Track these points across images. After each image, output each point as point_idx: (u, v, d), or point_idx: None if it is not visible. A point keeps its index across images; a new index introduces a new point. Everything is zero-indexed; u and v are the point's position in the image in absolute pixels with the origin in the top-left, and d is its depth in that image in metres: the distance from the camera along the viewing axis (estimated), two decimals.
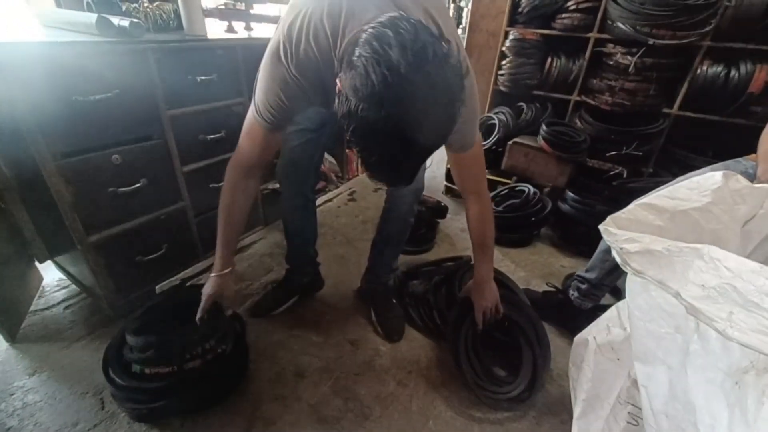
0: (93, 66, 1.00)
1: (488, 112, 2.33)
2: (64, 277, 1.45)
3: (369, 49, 0.54)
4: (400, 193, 1.21)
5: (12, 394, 1.04)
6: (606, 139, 1.96)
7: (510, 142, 2.10)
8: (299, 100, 0.79)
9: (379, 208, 2.14)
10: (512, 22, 2.12)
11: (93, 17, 1.05)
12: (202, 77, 1.26)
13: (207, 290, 1.02)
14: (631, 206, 0.82)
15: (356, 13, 0.68)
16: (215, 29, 1.42)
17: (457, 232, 2.02)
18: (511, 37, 2.12)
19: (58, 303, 1.36)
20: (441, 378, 1.19)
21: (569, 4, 1.93)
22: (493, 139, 2.19)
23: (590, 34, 1.91)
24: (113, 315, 1.25)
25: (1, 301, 1.16)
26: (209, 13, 1.42)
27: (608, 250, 1.21)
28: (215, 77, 1.29)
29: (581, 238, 1.85)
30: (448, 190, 2.42)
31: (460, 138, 0.87)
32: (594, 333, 0.91)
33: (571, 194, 1.87)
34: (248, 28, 1.61)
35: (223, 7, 1.51)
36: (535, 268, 1.77)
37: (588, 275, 1.28)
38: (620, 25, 1.76)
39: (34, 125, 0.92)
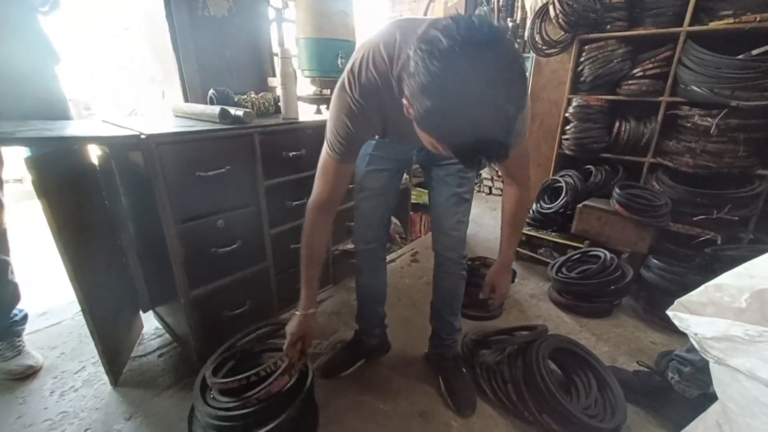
0: (214, 147, 1.22)
1: (553, 175, 2.31)
2: (160, 327, 1.61)
3: (420, 51, 0.58)
4: (445, 248, 1.24)
5: None
6: (691, 202, 1.83)
7: (580, 205, 2.04)
8: (362, 124, 0.87)
9: None
10: (575, 90, 2.18)
11: (217, 109, 1.29)
12: (293, 152, 1.45)
13: (291, 329, 1.07)
14: (701, 288, 0.77)
15: (407, 38, 0.75)
16: (306, 112, 1.65)
17: (526, 297, 1.92)
18: (574, 103, 2.16)
19: (154, 350, 1.50)
20: None
21: (635, 71, 1.95)
22: (560, 202, 2.15)
23: (661, 98, 1.89)
24: (199, 365, 1.34)
25: (112, 346, 1.32)
26: (301, 99, 1.67)
27: None
28: (304, 152, 1.48)
29: None
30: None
31: (517, 132, 0.87)
32: (702, 431, 0.80)
33: (655, 261, 1.72)
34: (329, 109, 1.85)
35: (312, 95, 1.77)
36: (621, 342, 1.60)
37: (690, 356, 1.13)
38: (695, 88, 1.73)
39: (166, 195, 1.12)
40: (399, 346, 1.53)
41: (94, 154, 1.38)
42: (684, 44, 1.78)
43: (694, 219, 1.82)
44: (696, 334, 0.73)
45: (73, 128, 1.12)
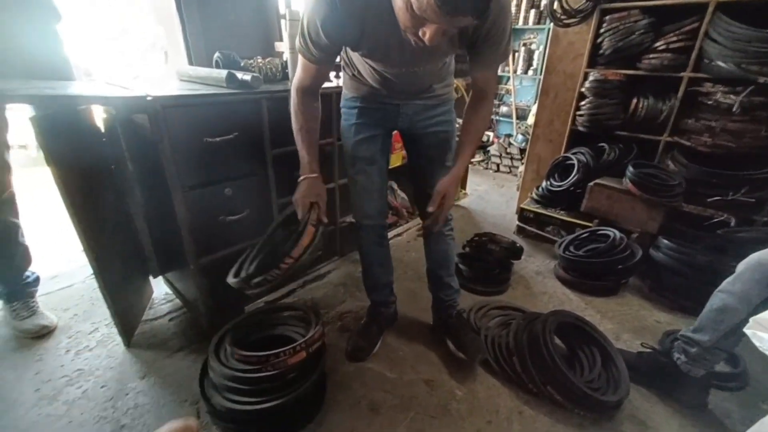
0: (221, 112, 1.19)
1: (565, 152, 2.26)
2: (170, 292, 1.63)
3: None
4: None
5: (126, 394, 1.17)
6: (706, 182, 1.79)
7: (591, 183, 2.01)
8: (336, 29, 0.85)
9: None
10: (592, 64, 2.09)
11: (223, 73, 1.25)
12: None
13: (301, 194, 1.00)
14: None
15: None
16: None
17: (532, 275, 1.93)
18: (591, 78, 2.08)
19: (164, 315, 1.52)
20: None
21: (658, 44, 1.86)
22: (571, 179, 2.11)
23: (683, 74, 1.82)
24: (208, 330, 1.37)
25: (124, 309, 1.34)
26: None
27: (723, 309, 1.07)
28: None
29: (680, 291, 1.66)
30: (520, 230, 2.34)
31: (501, 26, 0.88)
32: None
33: (665, 242, 1.71)
34: (337, 76, 1.79)
35: None
36: (625, 320, 1.61)
37: (697, 336, 1.13)
38: (720, 63, 1.65)
39: (173, 160, 1.10)
40: (405, 317, 1.55)
41: (99, 117, 1.35)
42: (712, 15, 1.68)
43: (708, 200, 1.79)
44: None
45: (77, 88, 1.09)
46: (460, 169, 1.10)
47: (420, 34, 0.75)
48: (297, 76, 1.01)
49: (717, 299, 1.10)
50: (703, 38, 1.73)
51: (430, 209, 1.07)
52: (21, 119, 1.20)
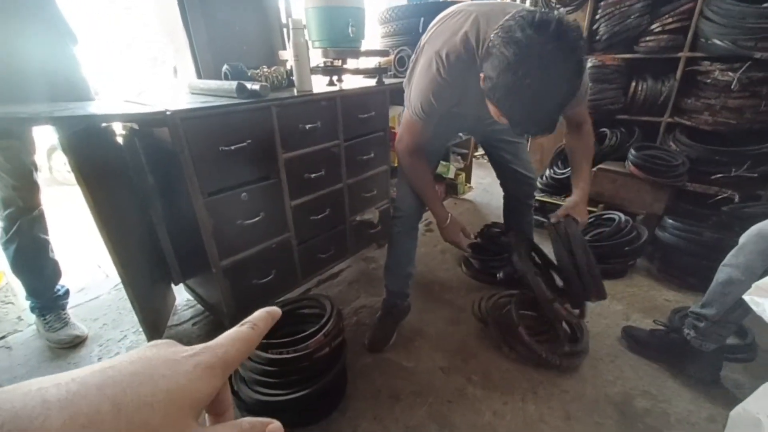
0: (234, 122, 1.24)
1: None
2: (191, 298, 1.70)
3: (498, 37, 0.78)
4: (529, 194, 1.55)
5: None
6: (709, 160, 1.81)
7: (594, 168, 2.03)
8: (444, 100, 1.05)
9: None
10: (590, 50, 2.12)
11: (233, 84, 1.31)
12: (309, 125, 1.46)
13: (454, 231, 1.28)
14: None
15: (490, 26, 0.92)
16: (319, 84, 1.65)
17: None
18: (589, 64, 2.11)
19: (188, 320, 1.59)
20: (538, 412, 1.14)
21: (654, 26, 1.88)
22: None
23: (681, 54, 1.84)
24: None
25: (151, 315, 1.41)
26: (314, 71, 1.67)
27: (728, 282, 1.10)
28: (319, 124, 1.49)
29: (687, 269, 1.69)
30: None
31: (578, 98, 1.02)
32: (766, 409, 0.76)
33: (671, 221, 1.73)
34: (339, 80, 1.84)
35: (322, 65, 1.76)
36: (635, 301, 1.64)
37: (705, 311, 1.16)
38: (717, 41, 1.67)
39: (193, 169, 1.16)
40: (417, 309, 1.59)
41: (118, 133, 1.42)
42: None
43: (712, 177, 1.80)
44: None
45: (101, 108, 1.16)
46: (585, 191, 1.25)
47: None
48: (404, 142, 1.17)
49: (722, 273, 1.13)
50: (698, 17, 1.75)
51: (553, 220, 1.26)
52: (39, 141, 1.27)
